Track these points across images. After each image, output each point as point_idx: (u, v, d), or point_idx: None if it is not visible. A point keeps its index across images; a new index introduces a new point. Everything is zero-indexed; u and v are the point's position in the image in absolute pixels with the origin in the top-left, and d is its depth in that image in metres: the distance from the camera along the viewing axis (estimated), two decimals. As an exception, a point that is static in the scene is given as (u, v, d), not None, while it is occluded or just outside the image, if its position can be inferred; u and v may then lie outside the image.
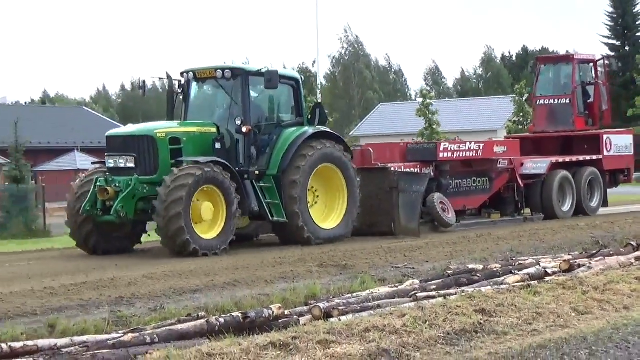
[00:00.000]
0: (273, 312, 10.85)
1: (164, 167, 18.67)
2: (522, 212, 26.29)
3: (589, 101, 29.05)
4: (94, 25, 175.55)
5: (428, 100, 60.57)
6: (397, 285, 14.03)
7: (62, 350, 9.12)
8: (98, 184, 19.25)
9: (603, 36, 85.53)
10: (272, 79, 19.81)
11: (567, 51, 30.91)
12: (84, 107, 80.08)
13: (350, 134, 66.67)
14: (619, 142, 28.96)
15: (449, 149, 23.90)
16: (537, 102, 30.12)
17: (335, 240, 20.43)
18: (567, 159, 27.44)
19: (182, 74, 20.98)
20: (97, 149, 50.02)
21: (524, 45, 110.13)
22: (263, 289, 14.47)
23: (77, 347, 9.23)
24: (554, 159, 26.82)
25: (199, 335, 9.98)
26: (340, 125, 72.09)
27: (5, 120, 44.27)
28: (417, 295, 12.74)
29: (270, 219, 20.03)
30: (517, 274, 14.22)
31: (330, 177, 20.89)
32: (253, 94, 20.90)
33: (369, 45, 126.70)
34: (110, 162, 19.69)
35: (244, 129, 19.83)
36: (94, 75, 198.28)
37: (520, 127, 57.36)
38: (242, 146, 20.19)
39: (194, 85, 21.23)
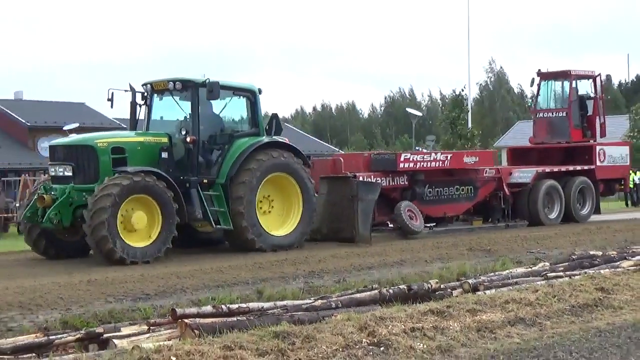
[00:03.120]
0: (431, 286, 11.00)
1: (106, 176, 15.83)
2: (508, 219, 23.03)
3: (587, 114, 26.18)
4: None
5: None
6: (531, 266, 14.01)
7: (267, 311, 9.35)
8: (38, 192, 16.82)
9: None
10: (213, 89, 16.88)
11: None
12: (287, 124, 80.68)
13: (494, 144, 65.27)
14: (613, 153, 25.84)
15: (410, 159, 20.78)
16: (537, 115, 27.10)
17: (287, 247, 17.41)
18: (555, 168, 24.61)
19: (142, 85, 18.24)
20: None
21: (637, 74, 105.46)
22: (423, 267, 14.57)
23: (278, 309, 9.57)
24: (539, 169, 24.07)
25: (373, 303, 10.15)
26: (486, 138, 70.60)
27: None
28: (548, 275, 12.82)
29: (214, 226, 17.17)
30: (630, 259, 14.20)
31: (285, 186, 17.84)
32: (206, 105, 17.87)
33: (510, 74, 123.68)
34: (52, 171, 16.94)
35: (188, 139, 16.97)
36: (294, 97, 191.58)
37: (634, 140, 55.06)
38: (189, 156, 17.21)
39: (154, 97, 18.17)
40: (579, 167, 24.73)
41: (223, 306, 9.65)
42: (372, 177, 19.95)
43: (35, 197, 16.76)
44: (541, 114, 26.67)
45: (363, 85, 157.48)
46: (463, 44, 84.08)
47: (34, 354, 7.84)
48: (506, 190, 22.72)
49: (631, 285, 11.59)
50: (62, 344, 8.32)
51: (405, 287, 10.82)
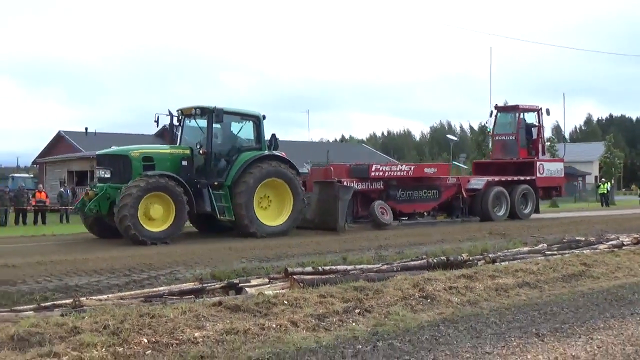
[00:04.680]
0: (463, 257, 10.87)
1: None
2: (465, 215, 21.84)
3: (532, 138, 24.58)
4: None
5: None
6: (533, 246, 13.62)
7: (349, 272, 9.28)
8: (87, 189, 16.58)
9: None
10: (218, 115, 16.07)
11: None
12: (364, 145, 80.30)
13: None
14: (551, 168, 24.41)
15: (380, 169, 19.58)
16: (495, 138, 25.52)
17: (279, 234, 16.39)
18: (503, 178, 23.09)
19: (177, 111, 17.30)
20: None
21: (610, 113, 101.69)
22: (458, 244, 14.46)
23: (357, 271, 9.50)
24: (490, 178, 22.73)
25: (422, 268, 10.03)
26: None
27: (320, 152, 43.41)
28: (545, 252, 12.58)
29: (219, 217, 16.15)
30: (605, 243, 13.60)
31: (279, 188, 16.80)
32: (219, 126, 16.85)
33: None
34: (97, 173, 16.42)
35: (201, 152, 16.25)
36: (367, 125, 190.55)
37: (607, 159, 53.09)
38: (204, 164, 16.42)
39: (184, 119, 17.22)
40: (522, 177, 23.48)
41: (319, 267, 9.57)
42: (354, 182, 18.87)
43: (84, 192, 16.48)
44: (497, 137, 25.36)
45: (415, 118, 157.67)
46: (486, 89, 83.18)
47: (193, 296, 7.97)
48: (464, 193, 21.75)
49: (606, 261, 11.22)
50: (211, 289, 8.43)
51: (444, 258, 10.64)
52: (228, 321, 6.48)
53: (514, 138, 24.49)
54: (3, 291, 8.69)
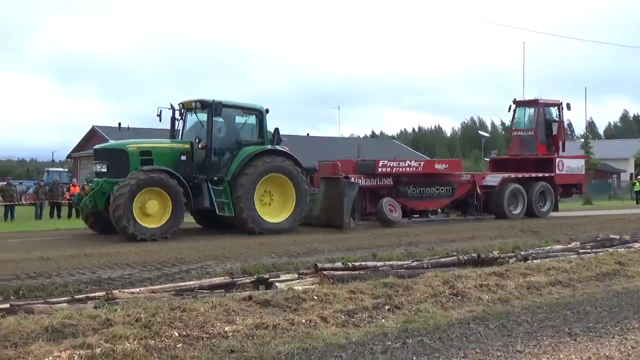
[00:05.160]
0: (494, 255, 10.79)
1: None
2: (479, 213, 20.96)
3: (552, 134, 23.71)
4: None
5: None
6: (567, 244, 13.37)
7: (379, 268, 9.30)
8: (84, 183, 16.08)
9: None
10: (216, 108, 15.64)
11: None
12: (394, 141, 79.93)
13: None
14: (571, 164, 23.47)
15: (387, 165, 18.85)
16: (513, 134, 24.81)
17: (280, 232, 15.77)
18: (519, 175, 22.21)
19: (178, 104, 16.70)
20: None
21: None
22: (488, 242, 14.36)
23: (387, 267, 9.53)
24: (506, 175, 21.90)
25: (452, 265, 10.00)
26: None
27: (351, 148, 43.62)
28: (579, 251, 12.36)
29: (218, 213, 15.57)
30: None
31: (282, 184, 16.19)
32: (221, 120, 16.36)
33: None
34: (95, 168, 15.85)
35: (199, 146, 15.77)
36: (397, 122, 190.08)
37: None
38: (200, 159, 15.94)
39: (186, 113, 16.73)
40: (540, 174, 22.55)
41: (349, 263, 9.60)
42: (361, 178, 18.25)
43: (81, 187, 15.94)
44: (515, 133, 24.52)
45: (446, 114, 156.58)
46: (518, 85, 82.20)
47: (223, 290, 8.03)
48: (479, 190, 20.91)
49: (641, 260, 11.06)
50: (241, 284, 8.48)
51: (475, 255, 10.56)
52: (258, 316, 6.51)
53: (532, 133, 23.71)
54: (38, 283, 8.85)
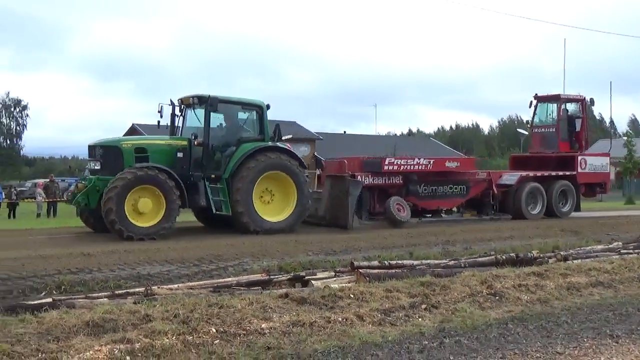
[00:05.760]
0: (533, 255, 10.61)
1: None
2: (496, 213, 20.17)
3: (575, 131, 22.77)
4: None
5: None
6: (608, 244, 13.10)
7: (416, 267, 9.20)
8: (78, 181, 15.68)
9: None
10: (212, 103, 15.20)
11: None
12: (431, 139, 79.26)
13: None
14: (594, 162, 22.36)
15: (394, 162, 18.09)
16: (534, 130, 23.77)
17: (280, 231, 15.32)
18: (538, 173, 21.18)
19: (177, 100, 16.18)
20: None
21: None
22: (527, 241, 14.16)
23: (424, 266, 9.42)
24: (524, 173, 20.97)
25: (490, 265, 9.87)
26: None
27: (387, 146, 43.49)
28: (621, 251, 12.10)
29: (213, 212, 15.06)
30: None
31: (283, 182, 15.67)
32: (219, 115, 15.95)
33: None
34: (89, 165, 15.49)
35: (195, 143, 15.28)
36: (434, 120, 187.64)
37: None
38: (198, 156, 15.41)
39: (185, 109, 16.29)
40: (560, 173, 21.55)
41: (385, 262, 9.50)
42: (368, 176, 17.56)
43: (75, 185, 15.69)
44: (536, 129, 23.55)
45: (483, 112, 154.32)
46: (557, 83, 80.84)
47: (260, 287, 8.08)
48: (495, 189, 20.04)
49: (685, 259, 10.79)
50: (278, 281, 8.51)
51: (514, 255, 10.41)
52: (294, 313, 6.54)
53: (554, 130, 22.82)
54: (79, 279, 9.00)
